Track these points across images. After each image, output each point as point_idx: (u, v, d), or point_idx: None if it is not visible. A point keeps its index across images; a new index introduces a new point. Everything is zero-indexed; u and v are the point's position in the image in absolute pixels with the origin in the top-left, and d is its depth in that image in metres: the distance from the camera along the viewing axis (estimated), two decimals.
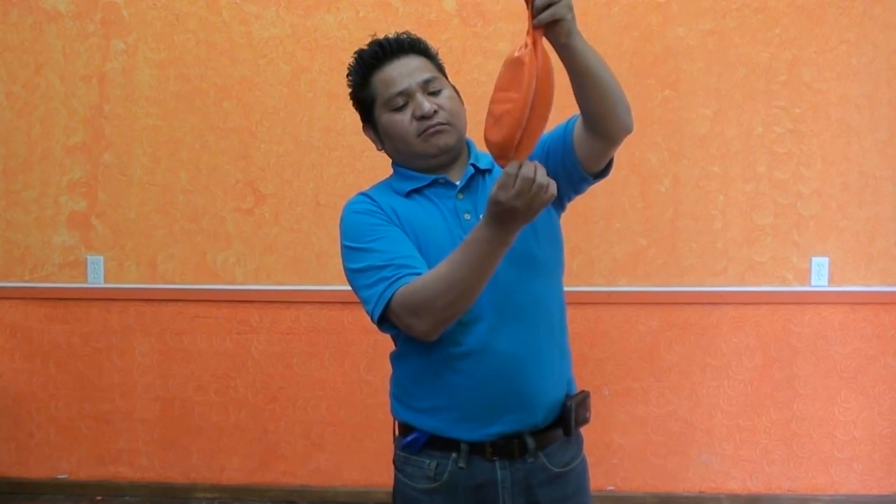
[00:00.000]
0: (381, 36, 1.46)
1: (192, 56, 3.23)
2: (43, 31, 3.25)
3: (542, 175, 1.16)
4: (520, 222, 1.20)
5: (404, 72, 1.40)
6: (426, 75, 1.41)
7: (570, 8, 1.17)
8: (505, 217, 1.18)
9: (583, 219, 3.10)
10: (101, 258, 3.27)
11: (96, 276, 3.27)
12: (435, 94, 1.41)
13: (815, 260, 3.14)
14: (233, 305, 3.26)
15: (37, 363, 3.31)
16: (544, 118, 1.19)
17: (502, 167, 1.18)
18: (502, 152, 1.17)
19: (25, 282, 3.30)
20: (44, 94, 3.26)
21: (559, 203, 1.47)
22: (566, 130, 1.39)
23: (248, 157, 3.24)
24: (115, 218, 3.27)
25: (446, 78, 1.47)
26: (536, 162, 1.17)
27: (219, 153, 3.24)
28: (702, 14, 3.12)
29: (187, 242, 3.26)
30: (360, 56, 1.45)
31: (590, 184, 1.43)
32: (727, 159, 3.14)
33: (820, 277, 3.14)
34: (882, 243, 3.14)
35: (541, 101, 1.17)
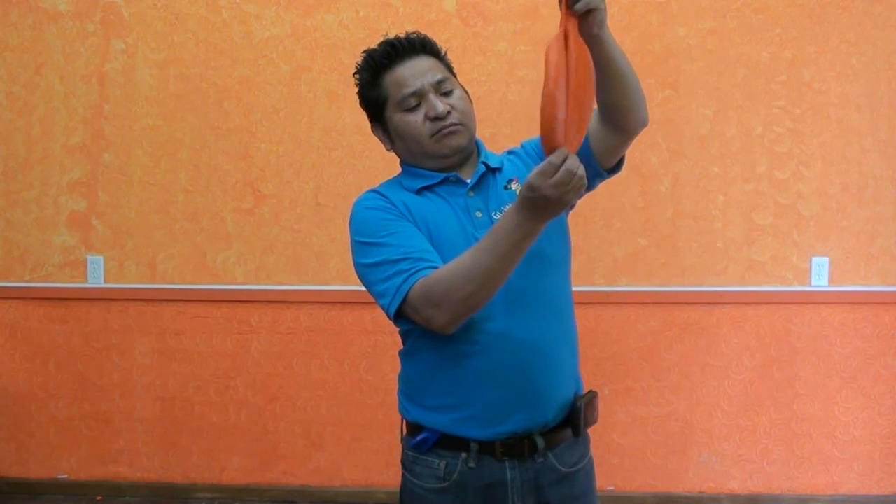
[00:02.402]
0: (391, 35, 1.46)
1: (192, 56, 3.22)
2: (43, 31, 3.25)
3: (583, 170, 1.17)
4: (549, 212, 1.20)
5: (416, 72, 1.41)
6: (438, 76, 1.41)
7: None
8: (537, 205, 1.18)
9: (583, 219, 3.10)
10: (101, 258, 3.27)
11: (96, 276, 3.27)
12: (447, 94, 1.41)
13: (815, 260, 3.14)
14: (233, 305, 3.26)
15: (37, 363, 3.31)
16: (586, 108, 1.19)
17: (547, 156, 1.17)
18: (546, 142, 1.16)
19: (25, 282, 3.30)
20: (44, 94, 3.26)
21: None
22: None
23: (248, 157, 3.24)
24: (115, 218, 3.27)
25: (456, 78, 1.48)
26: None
27: (219, 153, 3.24)
28: (702, 14, 3.12)
29: (187, 242, 3.26)
30: (371, 56, 1.45)
31: (603, 179, 1.45)
32: (727, 159, 3.14)
33: (820, 277, 3.13)
34: (882, 243, 3.14)
35: (580, 90, 1.17)
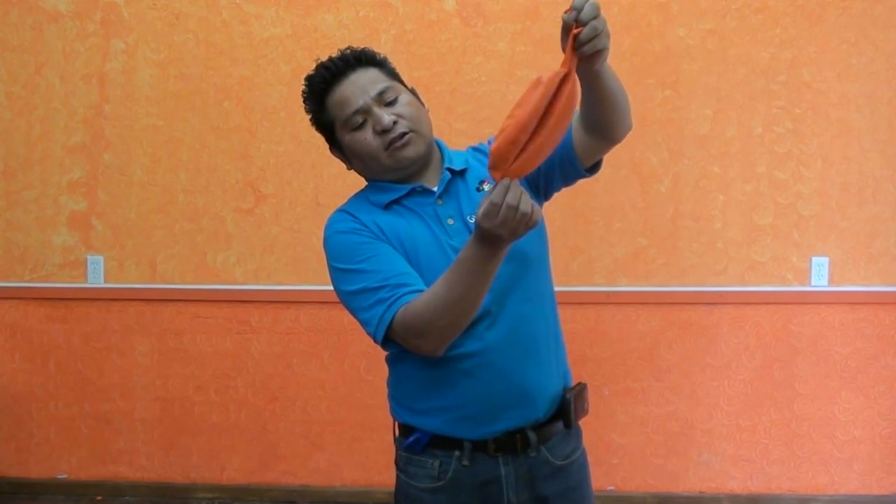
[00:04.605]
0: (324, 58, 1.43)
1: (192, 56, 3.22)
2: (43, 31, 3.25)
3: (525, 203, 1.15)
4: (506, 242, 1.20)
5: (356, 89, 1.39)
6: (379, 87, 1.39)
7: (609, 36, 1.17)
8: (491, 240, 1.19)
9: (583, 219, 3.09)
10: (101, 258, 3.27)
11: (96, 276, 3.27)
12: (391, 103, 1.39)
13: (815, 260, 3.14)
14: (233, 305, 3.26)
15: (37, 363, 3.31)
16: (545, 150, 1.17)
17: (493, 179, 1.17)
18: (493, 163, 1.16)
19: (25, 282, 3.30)
20: (44, 94, 3.26)
21: (545, 195, 1.48)
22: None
23: (248, 157, 3.24)
24: (115, 218, 3.27)
25: (402, 83, 1.46)
26: (522, 188, 1.16)
27: (219, 153, 3.24)
28: (702, 14, 3.12)
29: (187, 242, 3.26)
30: (311, 82, 1.44)
31: (582, 178, 1.44)
32: (727, 159, 3.14)
33: (820, 277, 3.13)
34: (882, 243, 3.14)
35: (550, 132, 1.15)
